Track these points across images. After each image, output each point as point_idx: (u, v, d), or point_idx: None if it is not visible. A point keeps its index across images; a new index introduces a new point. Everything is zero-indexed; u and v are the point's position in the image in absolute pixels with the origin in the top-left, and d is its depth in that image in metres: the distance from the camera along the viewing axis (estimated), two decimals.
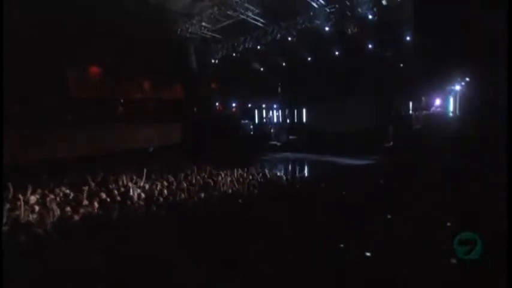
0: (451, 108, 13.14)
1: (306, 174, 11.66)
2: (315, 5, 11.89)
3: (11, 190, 5.19)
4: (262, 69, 17.42)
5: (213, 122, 14.82)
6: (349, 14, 11.47)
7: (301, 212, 4.40)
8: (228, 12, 11.59)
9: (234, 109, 18.69)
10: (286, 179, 9.77)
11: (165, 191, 6.48)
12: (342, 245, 3.45)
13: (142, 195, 6.13)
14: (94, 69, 12.46)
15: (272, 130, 18.31)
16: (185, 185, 7.38)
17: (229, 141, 14.49)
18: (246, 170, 10.06)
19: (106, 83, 12.68)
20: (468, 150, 8.42)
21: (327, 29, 12.66)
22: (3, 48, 5.62)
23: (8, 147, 9.54)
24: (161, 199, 5.93)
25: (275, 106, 19.77)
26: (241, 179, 8.76)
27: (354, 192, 5.93)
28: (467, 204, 4.43)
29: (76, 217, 4.56)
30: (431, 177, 6.76)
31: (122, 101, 13.61)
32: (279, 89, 18.13)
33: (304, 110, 18.23)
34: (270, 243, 3.25)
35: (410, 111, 14.50)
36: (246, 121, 18.10)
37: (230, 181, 8.05)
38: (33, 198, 5.21)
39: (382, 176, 8.23)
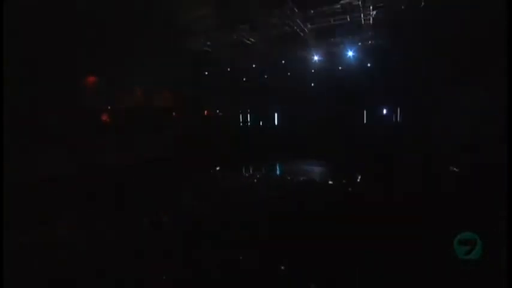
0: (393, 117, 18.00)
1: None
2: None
3: None
4: (244, 79, 19.37)
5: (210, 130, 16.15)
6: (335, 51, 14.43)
7: None
8: (235, 37, 13.14)
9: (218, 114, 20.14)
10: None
11: None
12: None
13: None
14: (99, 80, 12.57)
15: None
16: None
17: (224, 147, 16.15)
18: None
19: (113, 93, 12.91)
20: None
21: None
22: (3, 49, 6.57)
23: None
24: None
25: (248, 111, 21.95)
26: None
27: None
28: None
29: None
30: None
31: (127, 110, 13.89)
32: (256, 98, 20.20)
33: (277, 116, 20.91)
34: None
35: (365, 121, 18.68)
36: None
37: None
38: None
39: None
